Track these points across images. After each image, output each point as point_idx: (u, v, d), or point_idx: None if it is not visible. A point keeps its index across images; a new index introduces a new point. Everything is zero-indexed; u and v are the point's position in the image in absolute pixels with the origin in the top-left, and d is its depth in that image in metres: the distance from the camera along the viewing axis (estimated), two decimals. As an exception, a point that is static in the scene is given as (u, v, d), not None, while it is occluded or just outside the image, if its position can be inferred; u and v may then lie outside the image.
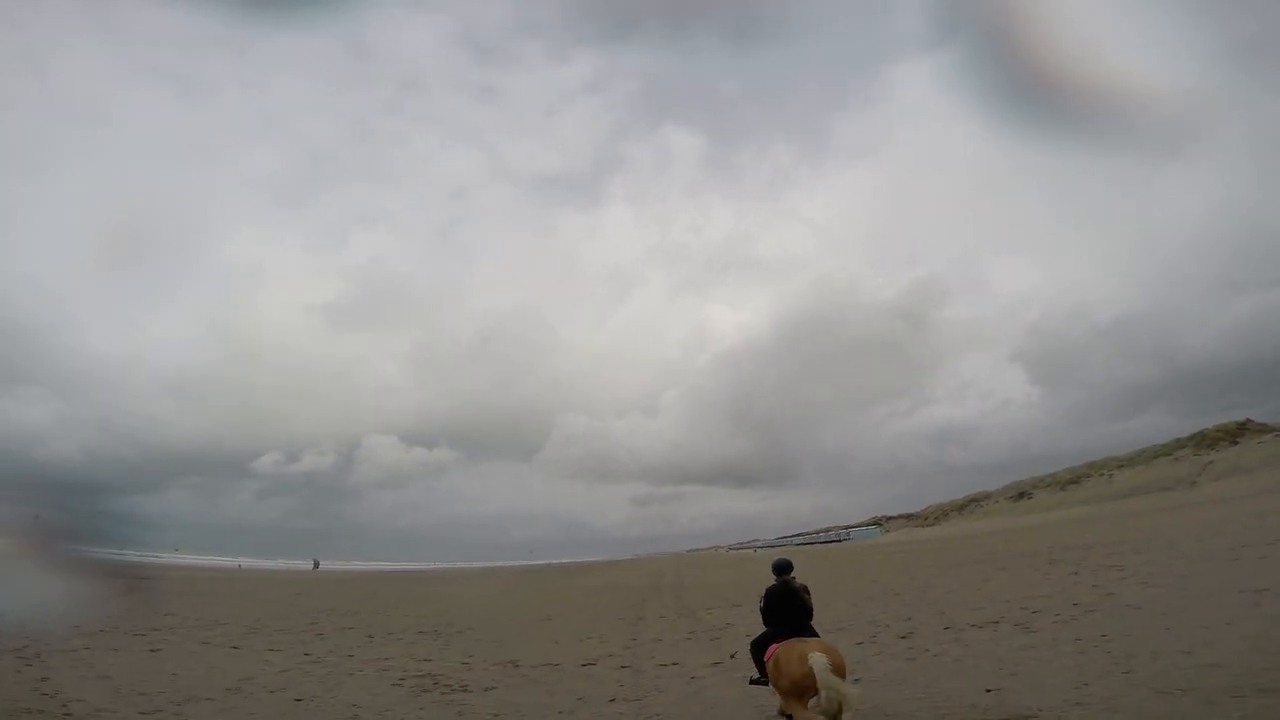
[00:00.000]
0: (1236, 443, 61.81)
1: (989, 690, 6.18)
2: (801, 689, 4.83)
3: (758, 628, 6.10)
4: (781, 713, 5.52)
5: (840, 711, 4.70)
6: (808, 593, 5.77)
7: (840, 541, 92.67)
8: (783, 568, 5.95)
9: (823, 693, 4.73)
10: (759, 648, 5.68)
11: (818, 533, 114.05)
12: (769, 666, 5.30)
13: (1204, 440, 66.63)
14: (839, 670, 4.76)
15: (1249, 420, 67.31)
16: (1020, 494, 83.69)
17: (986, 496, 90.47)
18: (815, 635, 5.49)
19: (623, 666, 9.36)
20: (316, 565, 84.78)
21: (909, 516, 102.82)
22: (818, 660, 4.68)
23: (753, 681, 5.91)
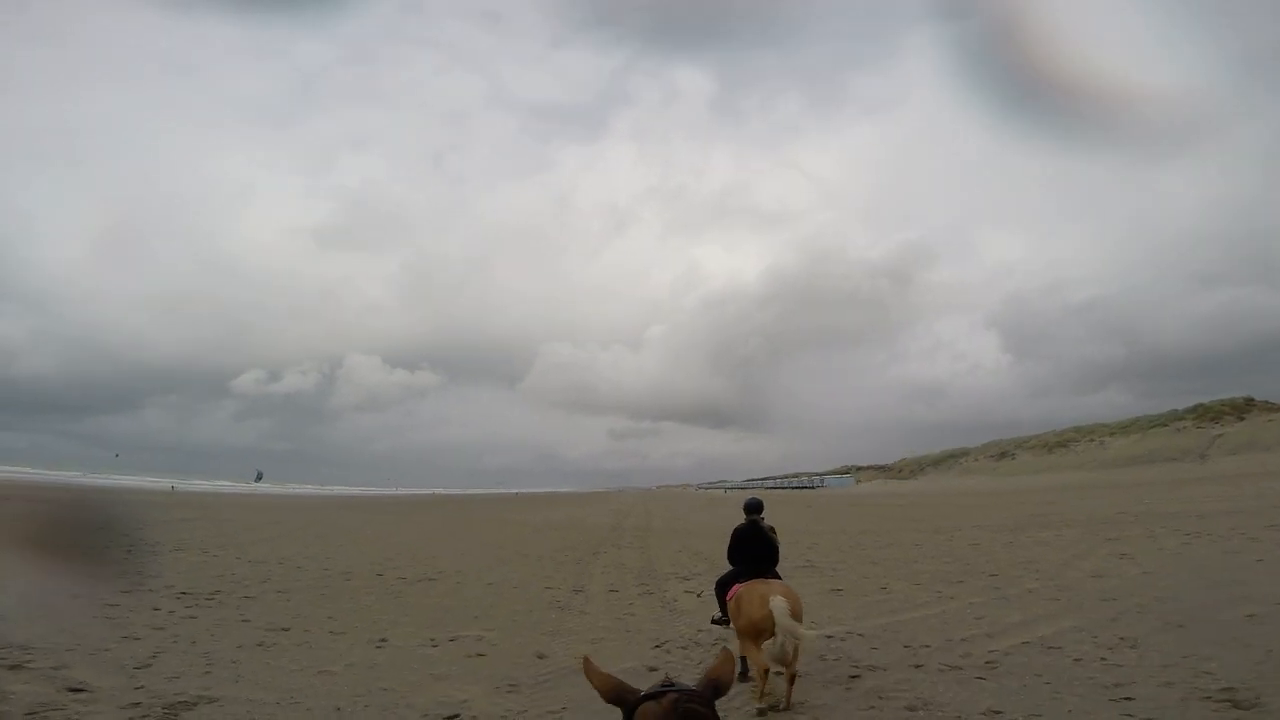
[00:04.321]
0: (1243, 419, 58.64)
1: None
2: (759, 630, 4.72)
3: None
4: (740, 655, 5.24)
5: (795, 658, 4.71)
6: (775, 534, 5.59)
7: (814, 488, 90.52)
8: (753, 507, 5.67)
9: (779, 636, 4.59)
10: (723, 587, 5.53)
11: (787, 477, 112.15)
12: (730, 606, 5.16)
13: (1205, 414, 63.54)
14: (797, 615, 4.66)
15: (1253, 398, 64.25)
16: (1001, 454, 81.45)
17: (965, 453, 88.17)
18: (778, 578, 5.34)
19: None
20: (259, 477, 79.28)
21: (880, 468, 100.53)
22: (778, 604, 4.55)
23: (714, 620, 5.76)
